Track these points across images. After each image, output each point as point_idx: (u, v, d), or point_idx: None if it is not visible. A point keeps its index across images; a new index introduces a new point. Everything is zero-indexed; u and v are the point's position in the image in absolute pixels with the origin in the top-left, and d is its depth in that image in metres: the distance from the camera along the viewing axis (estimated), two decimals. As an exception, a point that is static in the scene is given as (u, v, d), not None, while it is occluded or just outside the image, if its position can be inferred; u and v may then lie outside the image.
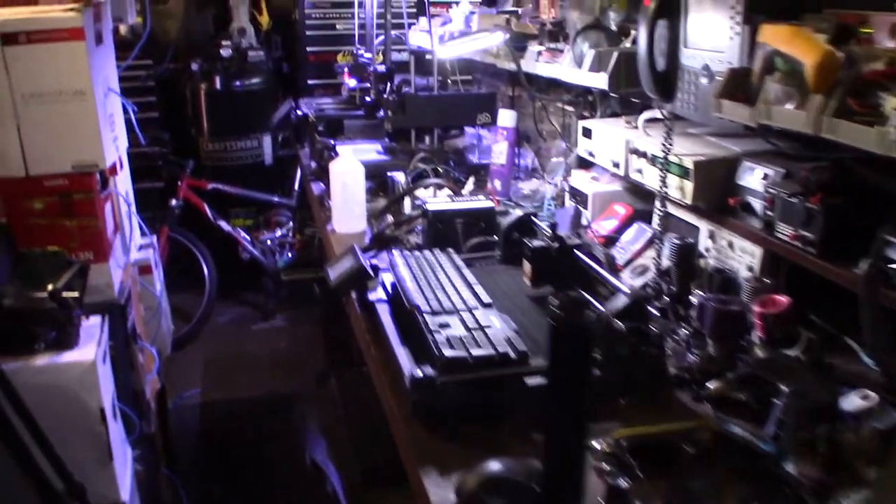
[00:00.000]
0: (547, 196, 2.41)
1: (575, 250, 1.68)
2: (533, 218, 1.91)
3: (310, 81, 4.91)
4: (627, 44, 2.06)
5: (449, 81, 3.23)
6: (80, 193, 2.32)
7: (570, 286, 1.67)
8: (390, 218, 2.24)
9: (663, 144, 1.80)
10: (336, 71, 4.36)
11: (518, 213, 1.91)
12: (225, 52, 4.80)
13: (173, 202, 4.50)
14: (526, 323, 1.56)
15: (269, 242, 4.85)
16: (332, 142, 2.93)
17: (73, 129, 2.28)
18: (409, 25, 3.83)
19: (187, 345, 4.40)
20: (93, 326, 2.18)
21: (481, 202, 2.07)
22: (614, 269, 1.67)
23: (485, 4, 3.76)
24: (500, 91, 3.37)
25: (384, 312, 1.72)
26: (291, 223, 4.92)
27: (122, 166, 2.77)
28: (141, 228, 3.11)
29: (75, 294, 2.10)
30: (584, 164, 2.41)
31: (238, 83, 4.86)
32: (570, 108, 2.69)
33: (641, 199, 2.18)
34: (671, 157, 1.82)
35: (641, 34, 1.74)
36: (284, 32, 5.36)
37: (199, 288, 4.58)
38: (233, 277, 4.84)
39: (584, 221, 2.23)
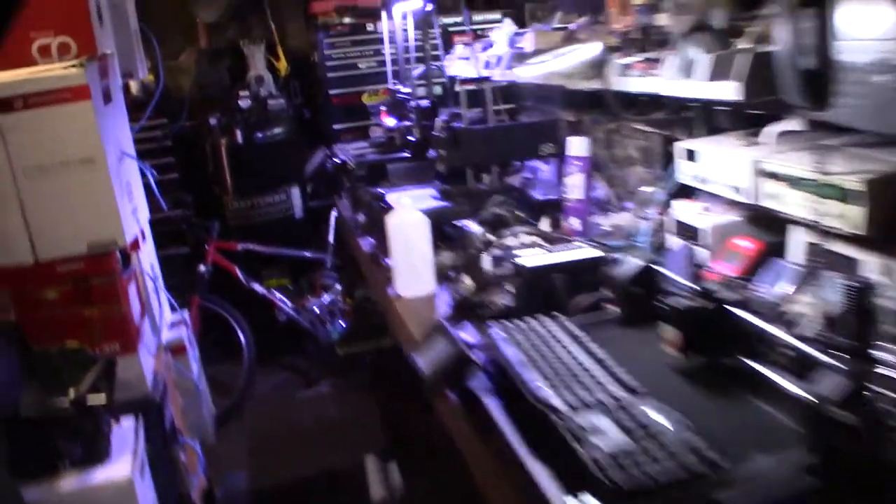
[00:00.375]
0: (644, 233, 2.04)
1: (734, 309, 1.30)
2: (657, 267, 1.54)
3: (335, 126, 4.57)
4: (741, 45, 1.70)
5: (492, 111, 2.89)
6: (99, 277, 1.99)
7: (731, 355, 1.30)
8: (468, 278, 1.87)
9: (818, 163, 1.43)
10: (370, 111, 4.04)
11: (637, 262, 1.54)
12: (244, 103, 4.54)
13: (202, 268, 4.16)
14: (686, 410, 1.18)
15: (317, 311, 4.43)
16: (381, 191, 2.58)
17: (85, 204, 1.95)
18: (443, 55, 3.52)
19: (229, 422, 4.02)
20: (126, 431, 1.87)
21: (585, 251, 1.70)
22: (789, 329, 1.29)
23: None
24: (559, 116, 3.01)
25: (493, 406, 1.34)
26: (338, 286, 4.51)
27: (144, 238, 2.44)
28: (170, 303, 2.79)
29: (102, 397, 1.80)
30: (683, 191, 2.04)
31: (260, 135, 4.57)
32: (649, 129, 2.32)
33: (766, 231, 1.81)
34: (823, 178, 1.45)
35: (782, 29, 1.39)
36: (303, 77, 5.07)
37: (234, 357, 4.20)
38: (269, 340, 4.44)
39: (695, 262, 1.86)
